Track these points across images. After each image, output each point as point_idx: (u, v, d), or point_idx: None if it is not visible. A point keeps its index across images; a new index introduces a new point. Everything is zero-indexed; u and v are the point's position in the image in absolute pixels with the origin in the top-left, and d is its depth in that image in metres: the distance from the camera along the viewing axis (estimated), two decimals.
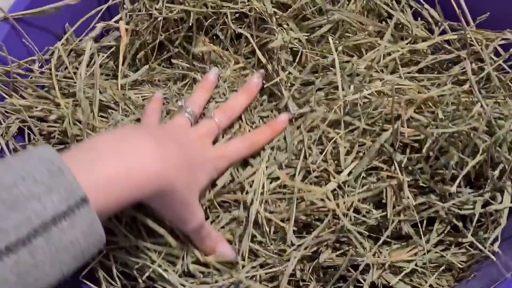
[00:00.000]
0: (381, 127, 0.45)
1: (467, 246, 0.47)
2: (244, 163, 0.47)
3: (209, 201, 0.45)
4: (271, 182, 0.45)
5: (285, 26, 0.52)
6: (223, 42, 0.54)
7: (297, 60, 0.51)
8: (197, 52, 0.53)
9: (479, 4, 0.52)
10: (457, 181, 0.42)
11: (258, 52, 0.51)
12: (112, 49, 0.57)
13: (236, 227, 0.45)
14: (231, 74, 0.52)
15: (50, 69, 0.50)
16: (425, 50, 0.52)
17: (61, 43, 0.53)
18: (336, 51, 0.51)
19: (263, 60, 0.51)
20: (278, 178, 0.45)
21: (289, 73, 0.50)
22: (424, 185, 0.46)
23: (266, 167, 0.45)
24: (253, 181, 0.45)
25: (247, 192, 0.45)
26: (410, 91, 0.46)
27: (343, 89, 0.47)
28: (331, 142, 0.46)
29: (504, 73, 0.49)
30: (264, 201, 0.44)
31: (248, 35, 0.52)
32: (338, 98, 0.46)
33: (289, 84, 0.50)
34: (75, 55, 0.55)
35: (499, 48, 0.50)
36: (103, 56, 0.56)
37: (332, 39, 0.53)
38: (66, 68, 0.53)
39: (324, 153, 0.45)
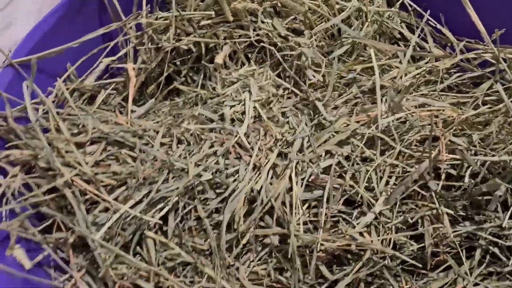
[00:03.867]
0: (416, 150, 0.43)
1: (508, 276, 0.45)
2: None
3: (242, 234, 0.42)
4: (304, 205, 0.43)
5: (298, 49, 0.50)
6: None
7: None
8: (220, 62, 0.50)
9: (488, 20, 0.51)
10: (508, 214, 0.39)
11: (278, 56, 0.50)
12: (114, 84, 0.54)
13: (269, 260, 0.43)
14: (244, 73, 0.50)
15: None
16: (445, 70, 0.51)
17: (62, 80, 0.50)
18: (354, 71, 0.49)
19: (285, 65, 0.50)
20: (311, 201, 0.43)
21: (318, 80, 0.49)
22: (462, 213, 0.44)
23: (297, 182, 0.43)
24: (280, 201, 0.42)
25: (279, 222, 0.42)
26: (445, 112, 0.44)
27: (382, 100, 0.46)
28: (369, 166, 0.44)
29: None
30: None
31: (273, 48, 0.50)
32: (368, 114, 0.45)
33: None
34: (79, 94, 0.51)
35: None
36: (105, 93, 0.53)
37: (348, 61, 0.52)
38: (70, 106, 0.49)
39: (365, 176, 0.43)
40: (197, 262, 0.41)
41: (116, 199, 0.42)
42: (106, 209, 0.43)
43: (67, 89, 0.49)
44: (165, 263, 0.41)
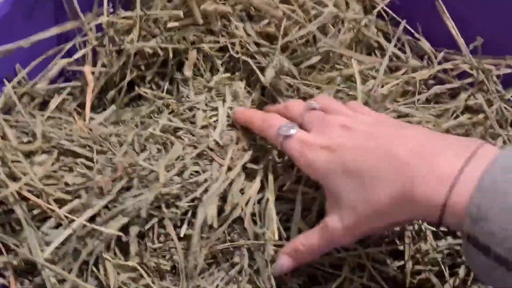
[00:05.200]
0: None
1: None
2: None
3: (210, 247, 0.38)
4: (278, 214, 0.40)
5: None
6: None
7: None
8: (190, 75, 0.47)
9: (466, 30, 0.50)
10: None
11: (252, 64, 0.46)
12: (69, 89, 0.49)
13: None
14: (218, 82, 0.47)
15: None
16: (422, 81, 0.49)
17: (12, 85, 0.45)
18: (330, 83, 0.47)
19: (262, 78, 0.46)
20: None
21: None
22: (444, 228, 0.41)
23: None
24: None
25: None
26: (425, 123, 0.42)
27: None
28: None
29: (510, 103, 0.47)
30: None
31: (247, 59, 0.47)
32: None
33: None
34: (30, 99, 0.47)
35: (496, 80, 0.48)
36: (59, 98, 0.49)
37: (323, 70, 0.49)
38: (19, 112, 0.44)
39: None
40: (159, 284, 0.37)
41: (69, 213, 0.38)
42: (58, 225, 0.38)
43: (16, 93, 0.44)
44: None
